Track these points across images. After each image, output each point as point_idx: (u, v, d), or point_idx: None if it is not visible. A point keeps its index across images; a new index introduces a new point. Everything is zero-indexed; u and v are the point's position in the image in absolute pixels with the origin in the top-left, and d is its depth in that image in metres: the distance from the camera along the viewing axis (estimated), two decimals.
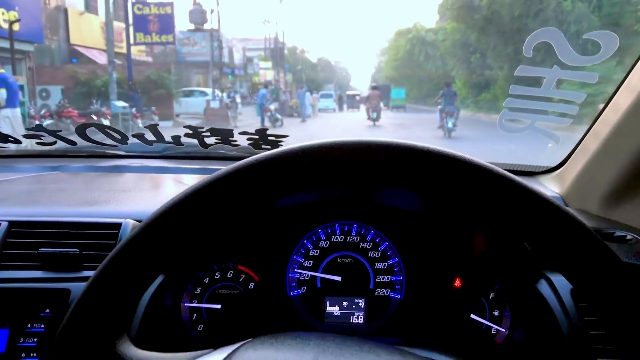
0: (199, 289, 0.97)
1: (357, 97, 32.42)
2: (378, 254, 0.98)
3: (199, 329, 0.96)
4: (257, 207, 0.53)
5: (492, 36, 15.65)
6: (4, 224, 0.85)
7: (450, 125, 11.78)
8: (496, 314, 0.95)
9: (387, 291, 0.97)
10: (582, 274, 0.49)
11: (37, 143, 1.17)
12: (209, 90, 20.78)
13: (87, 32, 18.53)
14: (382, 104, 19.07)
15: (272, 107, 16.87)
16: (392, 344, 0.54)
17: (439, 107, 12.69)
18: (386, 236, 0.99)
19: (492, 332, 0.95)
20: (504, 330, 0.94)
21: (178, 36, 27.45)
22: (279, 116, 16.30)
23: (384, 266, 0.98)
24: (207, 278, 0.97)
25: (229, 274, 0.98)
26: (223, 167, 0.52)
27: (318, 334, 0.54)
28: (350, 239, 0.99)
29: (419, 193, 0.93)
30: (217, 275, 0.98)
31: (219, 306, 0.96)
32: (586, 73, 0.91)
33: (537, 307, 0.88)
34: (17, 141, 1.18)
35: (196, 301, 0.97)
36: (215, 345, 0.55)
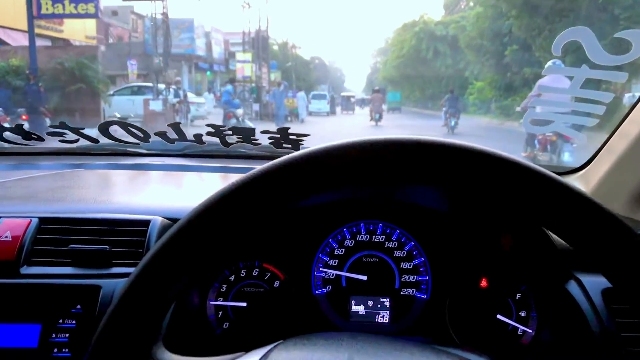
0: (224, 287, 0.97)
1: (352, 99, 30.01)
2: (404, 253, 0.98)
3: (224, 326, 0.96)
4: (285, 207, 0.53)
5: (548, 18, 11.32)
6: (35, 221, 0.85)
7: (453, 123, 14.22)
8: (523, 314, 0.95)
9: (413, 291, 0.97)
10: (624, 274, 0.49)
11: (60, 141, 1.17)
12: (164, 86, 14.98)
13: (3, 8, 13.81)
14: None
15: (240, 111, 12.99)
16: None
17: (444, 109, 14.71)
18: (412, 236, 0.98)
19: (519, 332, 0.94)
20: (530, 331, 0.94)
21: (146, 24, 20.90)
22: (249, 123, 12.41)
23: (410, 266, 0.98)
24: (233, 276, 0.97)
25: (255, 272, 0.98)
26: (244, 165, 0.52)
27: (349, 333, 0.54)
28: (375, 238, 0.99)
29: (447, 191, 0.92)
30: (243, 273, 0.98)
31: (244, 304, 0.96)
32: (615, 72, 0.91)
33: (566, 308, 0.87)
34: (40, 138, 1.18)
35: (222, 299, 0.97)
36: (241, 344, 0.54)
